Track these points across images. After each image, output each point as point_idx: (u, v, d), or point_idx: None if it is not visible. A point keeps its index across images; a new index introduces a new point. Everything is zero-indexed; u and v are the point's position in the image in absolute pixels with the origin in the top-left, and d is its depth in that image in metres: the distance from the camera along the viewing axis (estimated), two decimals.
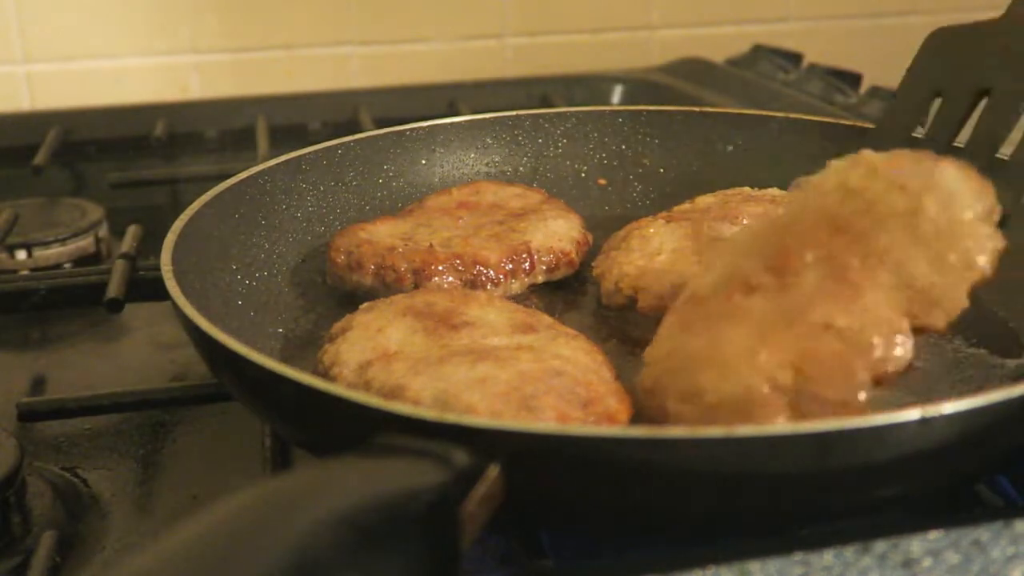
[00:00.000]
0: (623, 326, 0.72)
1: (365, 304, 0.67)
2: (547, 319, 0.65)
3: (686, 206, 0.81)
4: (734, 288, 0.56)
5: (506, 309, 0.65)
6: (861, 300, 0.52)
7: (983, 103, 0.72)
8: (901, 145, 0.59)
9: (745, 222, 0.76)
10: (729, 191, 0.82)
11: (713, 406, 0.53)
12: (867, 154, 0.57)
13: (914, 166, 0.55)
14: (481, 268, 0.74)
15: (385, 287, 0.73)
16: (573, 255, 0.78)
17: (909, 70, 0.78)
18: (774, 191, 0.82)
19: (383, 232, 0.78)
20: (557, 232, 0.79)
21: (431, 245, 0.75)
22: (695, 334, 0.57)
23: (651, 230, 0.76)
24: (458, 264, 0.74)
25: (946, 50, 0.76)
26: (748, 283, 0.54)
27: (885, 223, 0.53)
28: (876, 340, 0.51)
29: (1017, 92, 0.70)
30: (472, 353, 0.59)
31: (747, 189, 0.82)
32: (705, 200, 0.81)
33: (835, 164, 0.57)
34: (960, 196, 0.53)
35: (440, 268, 0.73)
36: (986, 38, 0.74)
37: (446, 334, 0.62)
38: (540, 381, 0.55)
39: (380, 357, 0.60)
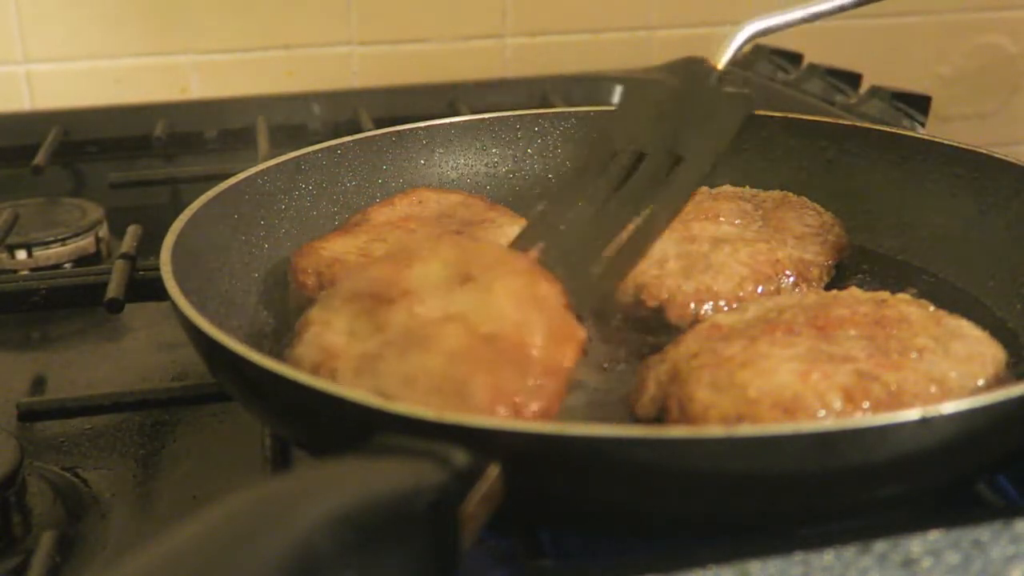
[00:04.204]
0: (621, 327, 0.72)
1: (323, 293, 0.66)
2: (486, 245, 0.64)
3: None
4: (775, 327, 0.59)
5: (444, 246, 0.64)
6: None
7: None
8: None
9: (722, 219, 0.77)
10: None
11: (753, 400, 0.53)
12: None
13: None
14: None
15: None
16: None
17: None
18: (727, 187, 0.83)
19: (341, 249, 0.75)
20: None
21: None
22: (731, 343, 0.58)
23: None
24: None
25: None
26: (791, 328, 0.59)
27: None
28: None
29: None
30: (404, 337, 0.57)
31: (705, 188, 0.82)
32: None
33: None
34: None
35: None
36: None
37: (383, 314, 0.60)
38: (469, 359, 0.55)
39: (328, 358, 0.59)
